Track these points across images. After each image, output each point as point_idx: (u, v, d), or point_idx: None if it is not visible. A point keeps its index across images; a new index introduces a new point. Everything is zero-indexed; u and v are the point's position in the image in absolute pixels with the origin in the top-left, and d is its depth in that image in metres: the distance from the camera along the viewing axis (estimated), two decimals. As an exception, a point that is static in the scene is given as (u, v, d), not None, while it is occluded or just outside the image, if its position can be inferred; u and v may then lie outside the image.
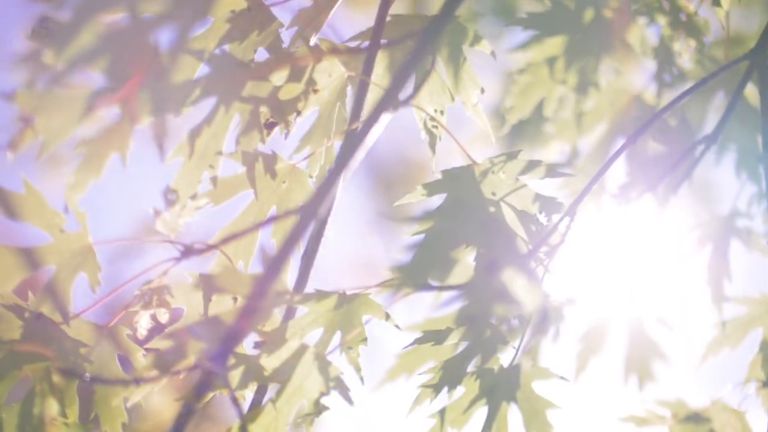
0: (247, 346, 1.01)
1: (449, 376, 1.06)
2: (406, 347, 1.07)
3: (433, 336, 1.05)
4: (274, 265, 0.85)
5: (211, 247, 0.99)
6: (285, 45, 1.04)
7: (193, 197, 1.00)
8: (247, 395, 1.02)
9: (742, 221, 1.35)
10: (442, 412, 1.07)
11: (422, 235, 0.99)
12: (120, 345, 1.02)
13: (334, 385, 0.98)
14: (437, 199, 1.03)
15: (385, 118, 0.90)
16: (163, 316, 1.00)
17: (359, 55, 1.07)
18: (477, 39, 1.07)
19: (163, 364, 0.97)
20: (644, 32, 1.33)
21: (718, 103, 1.39)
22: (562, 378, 1.08)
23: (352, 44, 1.07)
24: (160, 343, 0.98)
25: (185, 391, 0.90)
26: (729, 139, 1.34)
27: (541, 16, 1.31)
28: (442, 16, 0.91)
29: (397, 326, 1.02)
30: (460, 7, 0.95)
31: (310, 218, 0.85)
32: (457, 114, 1.10)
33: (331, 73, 1.06)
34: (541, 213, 1.04)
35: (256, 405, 1.01)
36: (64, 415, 1.00)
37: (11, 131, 0.90)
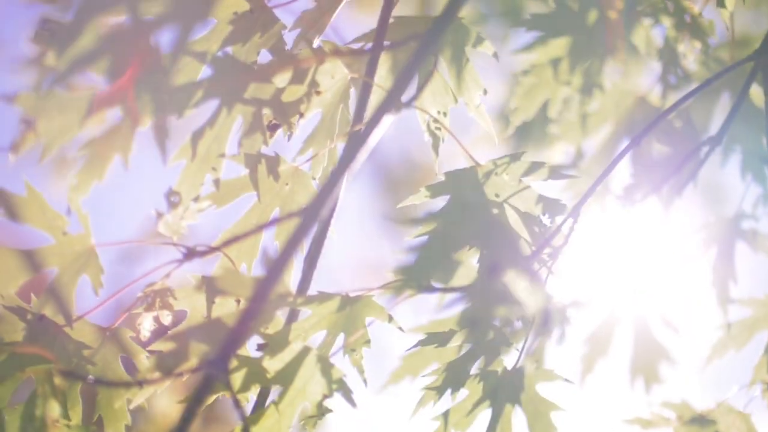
0: (250, 348, 1.01)
1: (453, 378, 1.06)
2: (409, 349, 1.07)
3: (436, 338, 1.05)
4: (277, 267, 0.84)
5: (213, 250, 0.99)
6: (288, 47, 1.04)
7: (196, 199, 1.00)
8: (250, 397, 1.02)
9: (748, 223, 1.34)
10: (445, 415, 1.07)
11: (425, 237, 0.99)
12: (123, 347, 1.02)
13: (337, 388, 0.98)
14: (440, 201, 1.03)
15: (388, 119, 0.90)
16: (166, 319, 1.00)
17: (362, 56, 1.07)
18: (479, 40, 1.07)
19: (166, 366, 0.97)
20: (649, 33, 1.33)
21: (723, 105, 1.38)
22: (566, 380, 1.07)
23: (355, 46, 1.07)
24: (163, 345, 0.98)
25: (189, 393, 0.90)
26: (734, 140, 1.34)
27: (545, 17, 1.30)
28: (445, 18, 0.90)
29: (400, 328, 1.02)
30: (466, 9, 0.95)
31: (312, 220, 0.85)
32: (463, 116, 1.10)
33: (334, 75, 1.06)
34: (544, 214, 1.03)
35: (259, 407, 1.01)
36: (67, 417, 1.00)
37: (13, 133, 0.90)
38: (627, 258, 1.21)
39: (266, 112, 1.02)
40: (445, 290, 0.97)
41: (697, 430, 1.23)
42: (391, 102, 0.89)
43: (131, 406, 1.01)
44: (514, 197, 1.04)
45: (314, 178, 1.08)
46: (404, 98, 0.99)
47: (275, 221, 1.07)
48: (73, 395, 1.01)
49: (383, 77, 1.09)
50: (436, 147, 1.09)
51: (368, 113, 1.07)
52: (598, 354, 1.34)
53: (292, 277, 1.05)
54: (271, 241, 1.07)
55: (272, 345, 0.98)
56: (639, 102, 1.39)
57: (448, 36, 1.06)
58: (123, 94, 0.92)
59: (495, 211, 1.03)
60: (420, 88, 1.07)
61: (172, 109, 0.96)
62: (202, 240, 0.98)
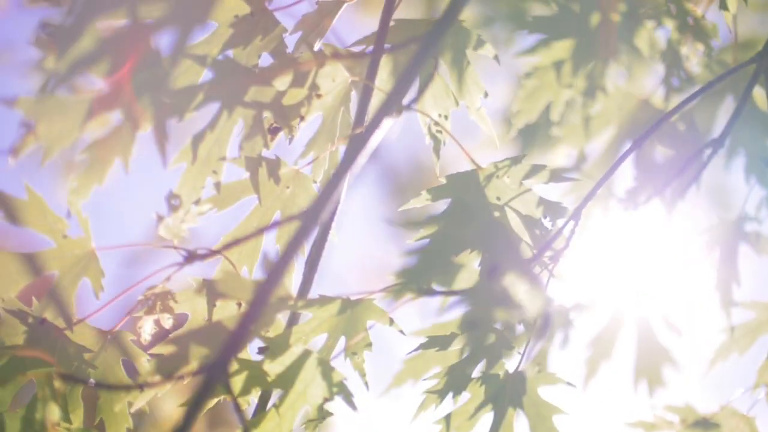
0: (251, 351, 1.01)
1: (455, 381, 1.06)
2: (411, 352, 1.07)
3: (438, 341, 1.05)
4: (278, 270, 0.84)
5: (214, 253, 0.99)
6: (289, 50, 1.04)
7: (197, 202, 1.00)
8: (251, 401, 1.01)
9: (751, 225, 1.34)
10: (447, 418, 1.07)
11: (427, 240, 0.99)
12: (124, 350, 1.02)
13: (338, 391, 0.98)
14: (442, 204, 1.03)
15: (389, 122, 0.90)
16: (167, 322, 1.00)
17: (363, 59, 1.07)
18: (480, 43, 1.07)
19: (167, 369, 0.97)
20: (652, 36, 1.33)
21: (727, 107, 1.38)
22: (568, 383, 1.07)
23: (356, 49, 1.07)
24: (164, 349, 0.98)
25: (189, 396, 0.90)
26: (737, 142, 1.33)
27: (547, 19, 1.30)
28: (445, 20, 0.90)
29: (401, 331, 1.02)
30: (469, 12, 0.95)
31: (313, 223, 0.85)
32: (469, 119, 1.10)
33: (334, 78, 1.06)
34: (545, 217, 1.03)
35: (260, 411, 1.01)
36: (68, 420, 1.00)
37: (13, 137, 0.90)
38: (630, 261, 1.21)
39: (267, 115, 1.02)
40: (446, 293, 0.97)
41: (701, 434, 1.23)
42: (392, 105, 0.89)
43: (132, 410, 1.01)
44: (515, 200, 1.04)
45: (315, 181, 1.07)
46: (405, 101, 0.99)
47: (276, 224, 1.07)
48: (74, 398, 1.01)
49: (384, 80, 1.09)
50: (437, 150, 1.09)
51: (369, 116, 1.07)
52: (602, 357, 1.34)
53: (293, 280, 1.04)
54: (272, 244, 1.07)
55: (273, 348, 0.98)
56: (642, 105, 1.39)
57: (449, 39, 1.06)
58: (122, 97, 0.92)
59: (496, 214, 1.03)
60: (421, 91, 1.07)
61: (173, 112, 0.96)
62: (203, 243, 0.98)
